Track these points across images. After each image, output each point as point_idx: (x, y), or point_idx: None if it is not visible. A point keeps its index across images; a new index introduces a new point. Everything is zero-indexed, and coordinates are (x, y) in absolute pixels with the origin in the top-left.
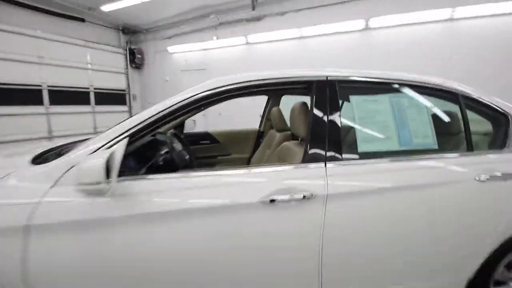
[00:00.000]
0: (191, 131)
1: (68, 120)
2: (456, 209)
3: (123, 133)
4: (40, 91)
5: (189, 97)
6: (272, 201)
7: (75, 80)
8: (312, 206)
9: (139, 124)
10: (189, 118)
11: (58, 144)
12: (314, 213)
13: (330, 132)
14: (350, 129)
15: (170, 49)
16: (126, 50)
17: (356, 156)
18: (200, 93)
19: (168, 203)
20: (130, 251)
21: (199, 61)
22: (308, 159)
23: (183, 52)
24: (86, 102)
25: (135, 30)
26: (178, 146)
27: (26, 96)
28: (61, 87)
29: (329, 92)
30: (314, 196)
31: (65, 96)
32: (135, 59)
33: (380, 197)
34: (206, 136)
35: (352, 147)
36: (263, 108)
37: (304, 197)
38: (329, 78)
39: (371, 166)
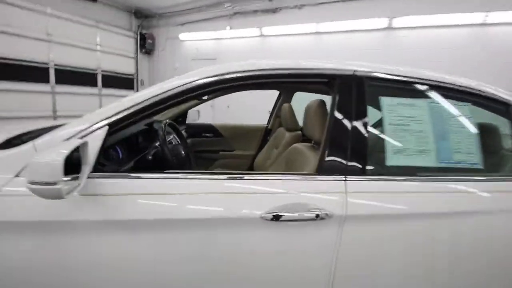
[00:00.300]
0: (194, 122)
1: (73, 100)
2: (506, 246)
3: (105, 119)
4: (46, 69)
5: (189, 83)
6: (276, 217)
7: (83, 60)
8: (326, 229)
9: (125, 110)
10: (193, 108)
11: (41, 127)
12: (327, 237)
13: (353, 139)
14: (379, 137)
15: (182, 36)
16: (137, 34)
17: (383, 170)
18: (201, 79)
19: (148, 210)
20: (96, 263)
21: (210, 51)
22: (324, 169)
23: (195, 40)
24: (93, 84)
25: (148, 14)
26: (173, 139)
27: (32, 73)
28: (68, 67)
29: (356, 90)
30: (330, 216)
31: (72, 76)
32: (145, 44)
33: (411, 224)
34: (209, 129)
35: (380, 160)
36: (273, 104)
37: (317, 216)
38: (356, 73)
39: (401, 184)
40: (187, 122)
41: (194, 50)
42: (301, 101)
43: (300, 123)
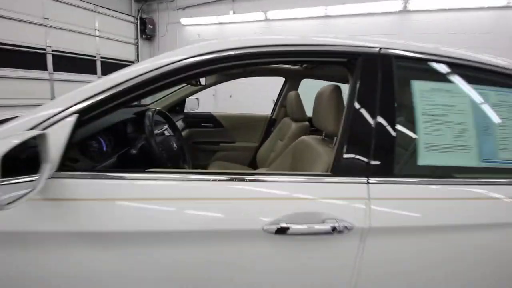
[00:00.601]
0: (192, 111)
1: (72, 88)
2: None
3: (74, 105)
4: (44, 55)
5: (179, 61)
6: (282, 230)
7: (81, 46)
8: (344, 245)
9: (101, 93)
10: (192, 96)
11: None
12: (345, 254)
13: (378, 132)
14: (409, 129)
15: (183, 21)
16: (137, 19)
17: (415, 171)
18: (196, 56)
19: (127, 220)
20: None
21: (212, 36)
22: (341, 168)
23: (197, 25)
24: (92, 71)
25: None
26: (164, 130)
27: (29, 59)
28: (66, 53)
29: (382, 72)
30: (350, 229)
31: (70, 63)
32: (146, 30)
33: (449, 238)
34: (209, 119)
35: (410, 158)
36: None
37: (334, 229)
38: (382, 51)
39: (437, 188)
40: (185, 111)
41: (195, 35)
42: (308, 90)
43: (308, 113)
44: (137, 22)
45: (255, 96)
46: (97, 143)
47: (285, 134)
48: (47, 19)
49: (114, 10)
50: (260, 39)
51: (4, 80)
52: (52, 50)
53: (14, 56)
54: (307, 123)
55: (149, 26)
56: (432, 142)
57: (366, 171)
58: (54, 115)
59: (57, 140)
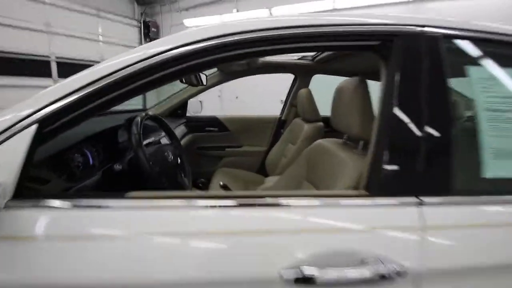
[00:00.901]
0: (195, 114)
1: None
2: None
3: (33, 113)
4: (48, 62)
5: (167, 51)
6: (305, 280)
7: (85, 52)
8: None
9: (70, 95)
10: (193, 98)
11: None
12: None
13: (428, 136)
14: (468, 131)
15: (187, 22)
16: (140, 22)
17: (481, 187)
18: (192, 43)
19: (101, 265)
20: None
21: None
22: (380, 184)
23: (200, 26)
24: None
25: (150, 0)
26: (158, 139)
27: (34, 67)
28: (70, 60)
29: (427, 57)
30: (401, 274)
31: (75, 70)
32: (149, 33)
33: None
34: (213, 122)
35: (473, 170)
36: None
37: (382, 277)
38: (426, 30)
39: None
40: (187, 114)
41: None
42: (318, 88)
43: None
44: (141, 25)
45: (262, 96)
46: (74, 159)
47: (297, 137)
48: (50, 26)
49: (117, 14)
50: (270, 21)
51: (9, 89)
52: (56, 57)
53: (18, 65)
54: (321, 123)
55: (153, 29)
56: (499, 146)
57: (416, 188)
58: (7, 129)
59: (9, 160)
